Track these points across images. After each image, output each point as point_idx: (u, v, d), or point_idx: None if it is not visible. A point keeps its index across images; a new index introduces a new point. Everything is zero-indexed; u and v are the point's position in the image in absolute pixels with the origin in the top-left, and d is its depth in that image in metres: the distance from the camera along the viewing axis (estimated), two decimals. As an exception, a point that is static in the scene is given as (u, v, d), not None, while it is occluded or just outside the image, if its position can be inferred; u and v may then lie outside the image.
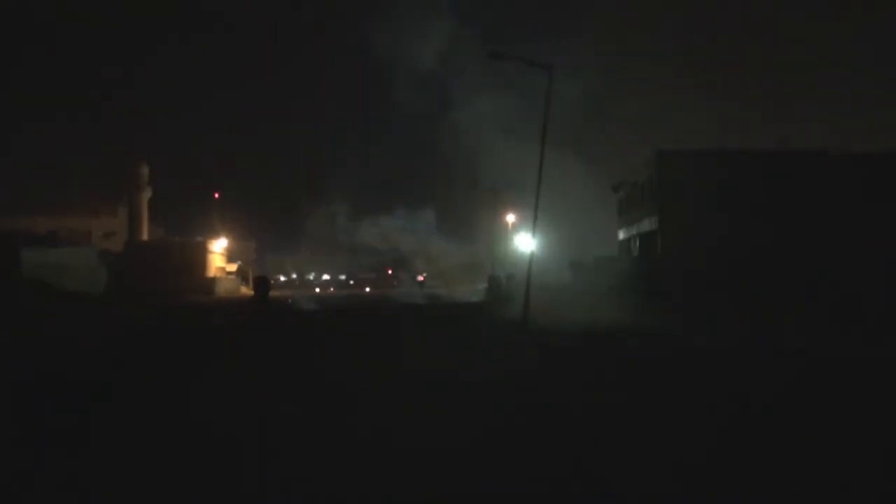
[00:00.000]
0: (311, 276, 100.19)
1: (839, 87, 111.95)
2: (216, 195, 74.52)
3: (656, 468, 7.06)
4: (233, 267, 73.66)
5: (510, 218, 52.88)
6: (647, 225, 37.24)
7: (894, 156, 33.36)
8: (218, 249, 69.26)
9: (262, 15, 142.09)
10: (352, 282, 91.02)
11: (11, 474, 6.99)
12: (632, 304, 26.22)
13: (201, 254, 65.14)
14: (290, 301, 44.28)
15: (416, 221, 68.01)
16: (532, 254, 25.59)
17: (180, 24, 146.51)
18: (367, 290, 73.71)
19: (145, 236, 70.91)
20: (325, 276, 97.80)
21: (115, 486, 6.69)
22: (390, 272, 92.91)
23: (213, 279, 63.00)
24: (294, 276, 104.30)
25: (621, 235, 44.16)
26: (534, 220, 24.98)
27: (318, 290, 76.47)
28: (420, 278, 72.20)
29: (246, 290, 71.58)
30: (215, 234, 70.59)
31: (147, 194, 71.00)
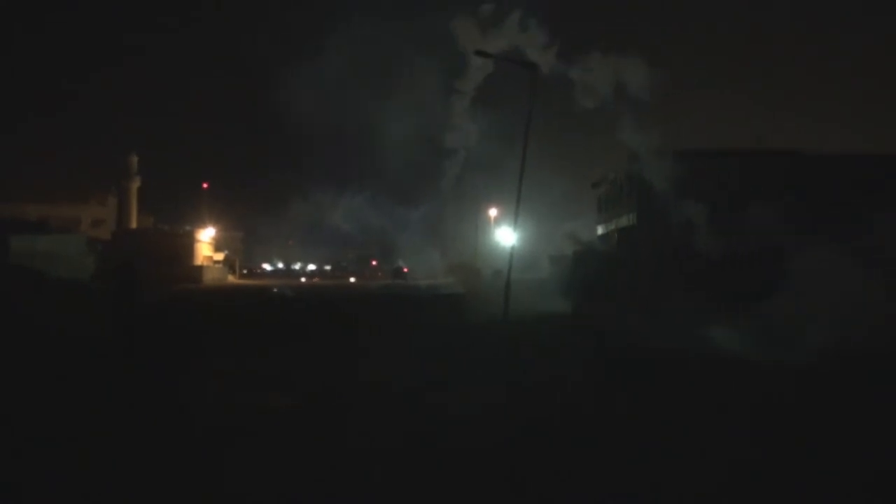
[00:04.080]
0: (297, 266, 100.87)
1: (816, 87, 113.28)
2: (205, 185, 74.86)
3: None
4: (220, 256, 74.25)
5: (492, 212, 53.60)
6: (626, 221, 38.06)
7: (867, 158, 34.26)
8: (205, 239, 69.72)
9: (251, 6, 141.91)
10: (337, 272, 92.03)
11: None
12: (596, 296, 26.56)
13: (189, 243, 65.62)
14: (275, 290, 45.07)
15: (402, 214, 68.46)
16: (513, 248, 26.08)
17: (170, 14, 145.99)
18: (352, 280, 74.50)
19: (134, 225, 71.28)
20: (311, 267, 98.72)
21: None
22: (374, 263, 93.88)
23: (201, 268, 63.57)
24: (280, 265, 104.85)
25: (600, 231, 44.94)
26: (515, 217, 25.49)
27: (303, 279, 77.17)
28: (404, 270, 73.06)
29: (232, 278, 72.08)
30: (203, 223, 71.04)
31: (136, 183, 71.39)
